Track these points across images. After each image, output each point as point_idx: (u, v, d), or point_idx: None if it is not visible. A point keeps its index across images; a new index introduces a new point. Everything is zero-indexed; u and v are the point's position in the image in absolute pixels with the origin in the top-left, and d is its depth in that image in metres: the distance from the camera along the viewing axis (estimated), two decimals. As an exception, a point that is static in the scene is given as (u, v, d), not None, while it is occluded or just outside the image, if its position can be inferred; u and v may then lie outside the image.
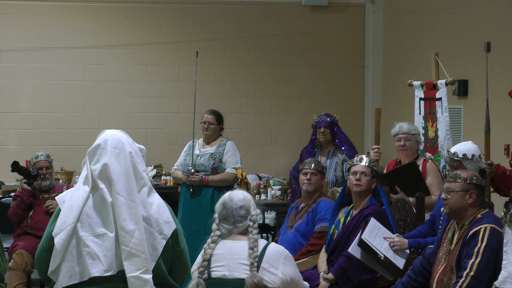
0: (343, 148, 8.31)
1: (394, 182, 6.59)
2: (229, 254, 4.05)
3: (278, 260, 4.08)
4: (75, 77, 11.78)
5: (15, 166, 7.27)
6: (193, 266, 4.13)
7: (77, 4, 11.75)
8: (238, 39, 11.98)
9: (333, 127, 8.38)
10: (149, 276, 3.72)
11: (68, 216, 3.74)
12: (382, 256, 5.45)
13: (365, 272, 5.71)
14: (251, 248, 4.04)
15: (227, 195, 4.21)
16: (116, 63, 11.90)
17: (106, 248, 3.70)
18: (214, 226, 4.17)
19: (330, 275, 5.78)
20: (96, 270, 3.68)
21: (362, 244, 5.46)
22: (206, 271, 4.03)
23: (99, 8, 11.85)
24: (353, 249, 5.54)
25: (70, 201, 3.80)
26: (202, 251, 4.11)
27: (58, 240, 3.71)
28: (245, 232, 4.13)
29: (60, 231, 3.73)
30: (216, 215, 4.18)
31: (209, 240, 4.12)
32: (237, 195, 4.19)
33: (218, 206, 4.20)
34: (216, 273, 4.03)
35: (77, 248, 3.73)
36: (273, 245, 4.19)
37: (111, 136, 3.90)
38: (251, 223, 4.13)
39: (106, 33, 11.86)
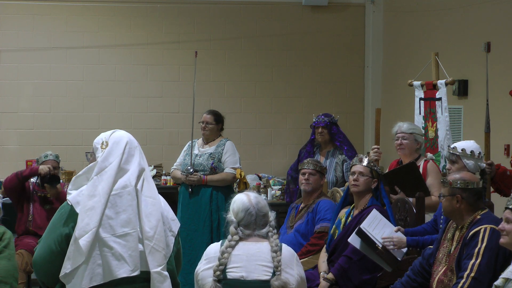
0: (345, 148, 8.32)
1: (393, 182, 6.59)
2: (246, 256, 4.08)
3: (292, 261, 4.16)
4: (75, 77, 11.76)
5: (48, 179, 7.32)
6: (198, 266, 4.14)
7: (77, 4, 11.74)
8: (238, 39, 11.97)
9: (331, 127, 8.40)
10: (167, 273, 3.74)
11: (91, 218, 3.68)
12: (380, 246, 5.45)
13: (366, 272, 5.71)
14: (275, 252, 4.10)
15: (247, 200, 4.22)
16: (116, 63, 11.88)
17: (130, 248, 3.69)
18: (232, 229, 4.18)
19: (330, 275, 5.78)
20: (123, 271, 3.67)
21: (361, 233, 5.46)
22: (222, 273, 4.04)
23: (99, 8, 11.83)
24: (353, 239, 5.54)
25: (89, 201, 3.74)
26: (219, 254, 4.11)
27: (83, 242, 3.65)
28: (262, 235, 4.15)
29: (84, 233, 3.66)
30: (233, 219, 4.19)
31: (226, 243, 4.14)
32: (260, 202, 4.21)
33: (238, 211, 4.20)
34: (233, 274, 4.05)
35: (99, 250, 3.69)
36: (284, 246, 4.24)
37: (125, 136, 3.93)
38: (271, 228, 4.19)
39: (106, 33, 11.85)
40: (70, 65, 11.74)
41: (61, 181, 7.78)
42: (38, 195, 7.54)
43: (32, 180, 7.62)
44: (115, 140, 3.87)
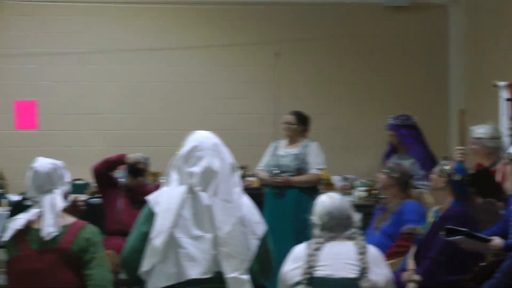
0: (414, 152, 8.11)
1: (473, 185, 6.48)
2: (332, 255, 4.12)
3: (379, 261, 4.17)
4: (158, 79, 11.90)
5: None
6: (285, 268, 4.15)
7: (162, 6, 11.88)
8: (318, 41, 11.94)
9: (399, 129, 8.22)
10: (246, 277, 3.75)
11: (166, 218, 3.74)
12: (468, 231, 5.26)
13: (453, 274, 5.63)
14: (361, 253, 4.13)
15: (331, 202, 4.25)
16: (198, 65, 11.97)
17: (204, 251, 3.72)
18: (317, 232, 4.20)
19: (417, 276, 5.71)
20: (194, 272, 3.70)
21: (450, 231, 5.31)
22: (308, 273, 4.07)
23: (180, 10, 11.96)
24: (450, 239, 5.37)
25: (167, 203, 3.81)
26: (306, 256, 4.15)
27: (158, 241, 3.72)
28: (348, 236, 4.19)
29: (159, 232, 3.73)
30: (318, 221, 4.21)
31: (312, 246, 4.18)
32: (343, 204, 4.23)
33: (322, 214, 4.23)
34: (320, 272, 4.06)
35: (174, 250, 3.74)
36: (370, 247, 4.28)
37: (205, 138, 3.94)
38: (356, 229, 4.24)
39: (188, 34, 11.96)
40: (154, 66, 11.88)
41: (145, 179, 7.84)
42: (127, 194, 7.63)
43: (122, 180, 7.71)
44: (188, 142, 3.94)
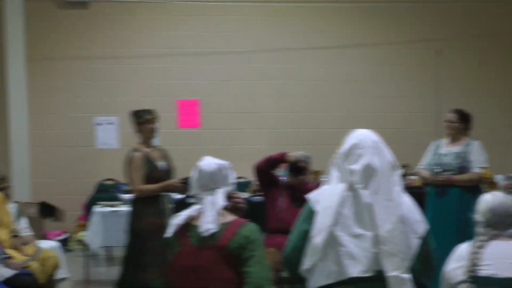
0: None
1: None
2: (496, 254, 4.06)
3: None
4: (319, 77, 11.96)
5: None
6: (447, 266, 4.10)
7: (319, 5, 11.94)
8: (480, 37, 11.66)
9: None
10: (407, 276, 3.72)
11: (326, 216, 3.75)
12: None
13: None
14: None
15: (494, 200, 4.21)
16: (360, 63, 11.96)
17: (365, 249, 3.70)
18: (480, 230, 4.18)
19: None
20: (355, 270, 3.69)
21: None
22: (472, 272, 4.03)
23: (338, 9, 12.01)
24: None
25: (327, 201, 3.81)
26: (469, 255, 4.10)
27: (318, 239, 3.73)
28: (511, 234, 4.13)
29: (319, 230, 3.74)
30: (481, 219, 4.16)
31: (476, 244, 4.13)
32: (506, 202, 4.19)
33: (485, 211, 4.18)
34: (484, 271, 4.02)
35: (335, 248, 3.73)
36: None
37: (366, 136, 3.93)
38: None
39: (347, 33, 11.96)
40: (314, 65, 11.96)
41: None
42: (288, 193, 7.69)
43: (283, 178, 7.79)
44: (348, 140, 3.91)
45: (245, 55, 11.98)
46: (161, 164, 6.99)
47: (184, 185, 6.78)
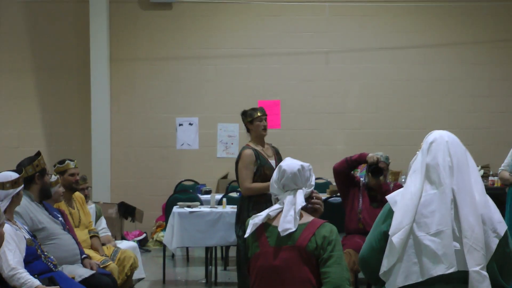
0: None
1: None
2: None
3: None
4: (401, 77, 11.83)
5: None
6: None
7: (402, 5, 11.80)
8: None
9: None
10: (486, 273, 3.64)
11: (404, 216, 3.71)
12: None
13: None
14: None
15: None
16: (442, 62, 11.79)
17: (445, 246, 3.64)
18: None
19: None
20: (438, 269, 3.63)
21: None
22: None
23: (421, 8, 11.86)
24: None
25: (403, 200, 3.77)
26: None
27: (396, 239, 3.69)
28: None
29: (397, 230, 3.70)
30: None
31: None
32: None
33: None
34: None
35: (414, 248, 3.69)
36: None
37: (443, 135, 3.85)
38: None
39: (430, 32, 11.80)
40: (395, 65, 11.84)
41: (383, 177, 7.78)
42: (367, 193, 7.61)
43: (362, 179, 7.71)
44: (426, 140, 3.85)
45: (325, 55, 11.91)
46: (272, 162, 6.98)
47: None
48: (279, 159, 7.00)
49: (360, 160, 7.51)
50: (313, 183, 4.17)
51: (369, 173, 7.55)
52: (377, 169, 7.49)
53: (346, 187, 7.60)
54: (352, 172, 7.69)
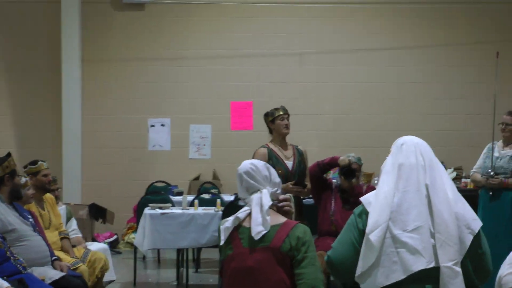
0: None
1: None
2: None
3: None
4: (374, 79, 11.86)
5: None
6: (501, 270, 3.97)
7: (377, 6, 11.82)
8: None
9: None
10: (459, 269, 3.64)
11: (380, 215, 3.70)
12: None
13: None
14: None
15: None
16: (415, 64, 11.85)
17: (423, 241, 3.63)
18: None
19: None
20: (419, 264, 3.62)
21: None
22: None
23: (394, 10, 11.92)
24: None
25: (377, 199, 3.76)
26: None
27: (374, 237, 3.66)
28: None
29: (374, 228, 3.68)
30: None
31: None
32: None
33: None
34: None
35: (393, 246, 3.67)
36: None
37: (412, 138, 3.89)
38: None
39: (403, 34, 11.85)
40: (368, 66, 11.87)
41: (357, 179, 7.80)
42: (340, 196, 7.63)
43: (334, 181, 7.73)
44: (395, 144, 3.88)
45: (298, 57, 11.90)
46: (289, 163, 6.92)
47: (301, 187, 6.76)
48: (300, 161, 7.00)
49: (331, 163, 7.54)
50: (277, 180, 4.17)
51: (341, 175, 7.57)
52: (349, 171, 7.52)
53: (318, 190, 7.63)
54: (324, 175, 7.70)
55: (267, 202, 4.03)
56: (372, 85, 11.90)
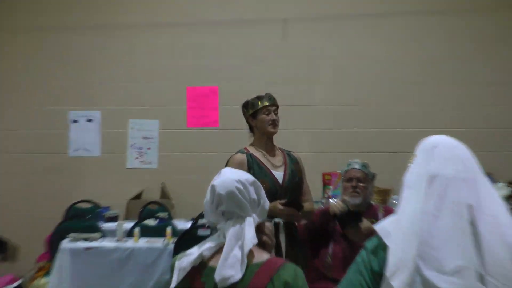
0: None
1: None
2: None
3: None
4: (388, 57, 11.94)
5: None
6: None
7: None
8: None
9: None
10: None
11: (404, 250, 3.65)
12: None
13: None
14: None
15: None
16: (446, 33, 11.91)
17: (469, 287, 3.56)
18: None
19: None
20: None
21: None
22: None
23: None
24: None
25: (399, 227, 3.72)
26: None
27: (397, 282, 3.59)
28: None
29: (397, 269, 3.63)
30: None
31: None
32: None
33: None
34: None
35: None
36: None
37: (445, 139, 3.90)
38: None
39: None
40: (380, 39, 11.94)
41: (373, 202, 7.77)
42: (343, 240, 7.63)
43: (333, 200, 7.70)
44: (421, 148, 3.95)
45: (281, 25, 11.96)
46: (277, 173, 6.71)
47: (295, 208, 6.48)
48: (294, 171, 6.82)
49: (324, 217, 7.39)
50: (266, 207, 4.13)
51: (340, 224, 7.36)
52: (349, 215, 7.28)
53: (315, 245, 7.51)
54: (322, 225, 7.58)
55: (251, 238, 3.93)
56: (386, 65, 11.87)
